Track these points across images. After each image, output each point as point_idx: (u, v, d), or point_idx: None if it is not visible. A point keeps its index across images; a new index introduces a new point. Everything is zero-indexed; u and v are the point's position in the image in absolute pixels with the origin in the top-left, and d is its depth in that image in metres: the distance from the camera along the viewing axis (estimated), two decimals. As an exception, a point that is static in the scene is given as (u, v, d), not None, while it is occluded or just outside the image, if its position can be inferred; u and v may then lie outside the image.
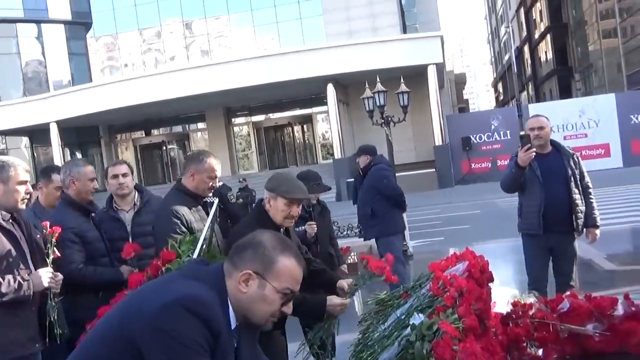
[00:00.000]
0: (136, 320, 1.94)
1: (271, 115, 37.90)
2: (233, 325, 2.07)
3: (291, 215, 3.68)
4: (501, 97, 79.65)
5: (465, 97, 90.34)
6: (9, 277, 3.49)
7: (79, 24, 40.60)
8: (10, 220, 3.69)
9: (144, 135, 39.75)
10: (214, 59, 36.80)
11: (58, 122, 32.38)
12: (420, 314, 3.04)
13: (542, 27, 53.89)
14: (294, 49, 31.79)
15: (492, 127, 28.91)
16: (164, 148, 39.31)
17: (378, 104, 14.28)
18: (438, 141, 29.08)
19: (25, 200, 3.77)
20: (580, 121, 27.66)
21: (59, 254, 3.89)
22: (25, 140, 38.49)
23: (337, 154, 29.86)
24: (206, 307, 1.95)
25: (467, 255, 3.57)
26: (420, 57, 28.17)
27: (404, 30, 37.15)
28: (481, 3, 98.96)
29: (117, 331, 1.98)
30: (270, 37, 38.94)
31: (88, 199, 4.57)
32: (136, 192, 4.94)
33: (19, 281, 3.51)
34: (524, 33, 60.19)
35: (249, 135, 37.69)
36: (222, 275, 2.08)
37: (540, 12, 54.24)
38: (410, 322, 3.03)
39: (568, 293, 3.49)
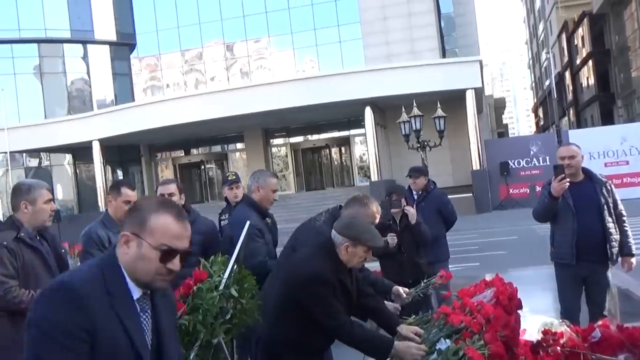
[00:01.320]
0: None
1: (309, 137, 38.12)
2: (136, 296, 2.09)
3: (366, 258, 3.68)
4: (541, 123, 78.81)
5: (504, 121, 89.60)
6: (33, 292, 3.78)
7: (124, 45, 41.57)
8: (38, 237, 4.02)
9: (183, 154, 40.30)
10: (254, 80, 37.28)
11: (100, 140, 33.05)
12: (447, 340, 3.07)
13: (584, 52, 53.30)
14: (332, 72, 32.03)
15: (531, 152, 28.59)
16: (203, 167, 39.77)
17: (414, 128, 14.30)
18: (476, 166, 28.88)
19: (52, 217, 4.09)
20: (622, 148, 27.19)
21: None
22: (68, 157, 39.33)
23: (374, 177, 29.87)
24: (72, 291, 1.97)
25: (496, 282, 3.58)
26: (459, 81, 28.13)
27: (443, 55, 37.15)
28: (522, 28, 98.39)
29: None
30: (309, 59, 39.30)
31: (266, 206, 4.99)
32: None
33: None
34: (566, 58, 59.60)
35: (286, 156, 37.93)
36: (113, 248, 2.17)
37: (582, 37, 53.68)
38: (437, 348, 3.06)
39: (600, 322, 3.47)
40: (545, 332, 3.36)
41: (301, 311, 3.48)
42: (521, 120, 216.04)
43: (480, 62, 29.94)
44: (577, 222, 5.41)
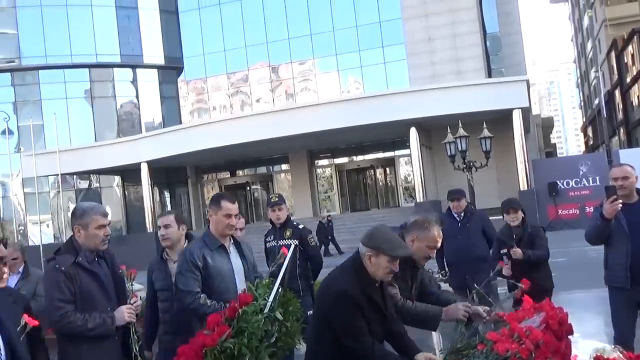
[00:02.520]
0: None
1: (354, 158, 38.13)
2: None
3: (392, 271, 3.67)
4: (591, 142, 77.31)
5: (553, 141, 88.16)
6: (95, 314, 3.88)
7: (171, 69, 42.36)
8: (96, 259, 4.08)
9: (229, 175, 40.69)
10: (299, 102, 37.52)
11: (148, 162, 33.59)
12: (494, 365, 3.01)
13: (634, 70, 52.24)
14: (377, 93, 32.05)
15: (581, 172, 28.08)
16: (248, 188, 40.08)
17: (460, 149, 14.20)
18: (523, 186, 28.46)
19: (106, 241, 4.08)
20: (675, 168, 26.52)
21: (136, 295, 4.22)
22: (117, 179, 40.08)
23: (419, 198, 29.62)
24: None
25: (545, 306, 3.50)
26: (505, 101, 27.83)
27: (489, 74, 36.86)
28: (570, 47, 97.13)
29: None
30: (354, 81, 39.43)
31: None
32: (186, 241, 5.04)
33: (103, 317, 3.90)
34: (615, 77, 58.46)
35: (331, 177, 37.98)
36: None
37: (632, 55, 52.65)
38: (485, 374, 3.00)
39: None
40: (597, 358, 3.27)
41: (334, 332, 3.49)
42: (570, 139, 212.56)
43: (527, 82, 29.59)
44: (632, 244, 5.23)
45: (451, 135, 14.84)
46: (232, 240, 4.64)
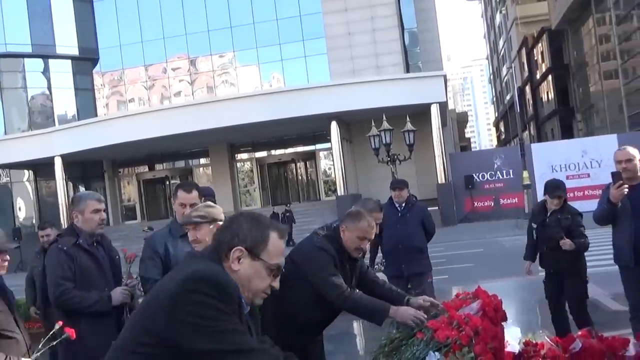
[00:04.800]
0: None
1: (274, 152, 38.09)
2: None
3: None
4: (503, 136, 79.97)
5: (467, 135, 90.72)
6: (93, 292, 4.28)
7: (86, 60, 41.02)
8: (95, 244, 4.49)
9: (147, 169, 39.88)
10: (219, 95, 37.14)
11: (62, 156, 32.51)
12: (436, 353, 3.06)
13: (543, 67, 54.38)
14: (298, 87, 32.12)
15: (495, 165, 29.00)
16: (167, 183, 39.41)
17: (384, 142, 14.40)
18: (441, 179, 29.15)
19: (102, 225, 4.52)
20: (583, 161, 27.75)
21: (133, 277, 4.63)
22: (29, 173, 38.61)
23: (340, 191, 29.90)
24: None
25: (480, 293, 3.60)
26: (423, 96, 28.42)
27: (407, 69, 37.51)
28: (483, 44, 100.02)
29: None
30: (274, 74, 39.33)
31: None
32: None
33: (101, 296, 4.31)
34: (526, 73, 60.71)
35: (252, 171, 37.83)
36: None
37: (542, 53, 54.78)
38: (426, 361, 3.05)
39: (579, 333, 3.51)
40: (526, 343, 3.38)
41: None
42: (482, 134, 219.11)
43: (445, 77, 30.33)
44: (635, 224, 5.46)
45: (375, 128, 15.01)
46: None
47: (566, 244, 6.34)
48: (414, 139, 14.79)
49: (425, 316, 3.63)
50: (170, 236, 4.55)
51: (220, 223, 3.90)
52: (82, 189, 38.45)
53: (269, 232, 2.26)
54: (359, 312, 4.02)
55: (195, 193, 4.63)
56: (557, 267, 6.56)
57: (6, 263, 3.56)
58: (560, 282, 6.57)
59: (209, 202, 4.16)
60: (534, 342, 3.38)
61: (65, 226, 6.44)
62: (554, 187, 6.62)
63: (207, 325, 2.02)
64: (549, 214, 6.66)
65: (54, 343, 3.45)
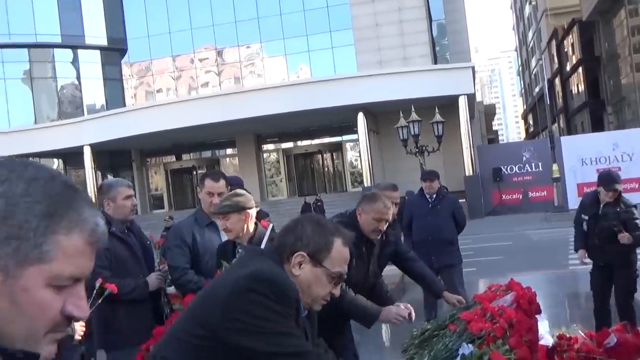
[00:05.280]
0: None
1: (301, 143, 38.10)
2: None
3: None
4: (531, 129, 79.16)
5: (494, 128, 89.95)
6: (129, 280, 4.29)
7: (114, 50, 41.39)
8: (126, 231, 4.50)
9: (174, 159, 40.15)
10: (246, 86, 37.21)
11: (91, 146, 32.86)
12: (469, 344, 3.01)
13: (574, 59, 53.64)
14: (325, 78, 32.04)
15: (524, 158, 28.66)
16: (194, 172, 39.63)
17: (412, 133, 14.30)
18: (468, 171, 28.92)
19: (134, 211, 4.54)
20: (614, 154, 27.27)
21: (165, 262, 4.62)
22: (58, 162, 39.08)
23: (367, 182, 29.79)
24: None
25: (514, 285, 3.53)
26: (451, 87, 28.19)
27: (435, 61, 37.25)
28: (512, 35, 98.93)
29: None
30: (301, 65, 39.30)
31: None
32: None
33: (138, 282, 4.33)
34: (556, 65, 59.93)
35: (278, 162, 37.88)
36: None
37: (572, 44, 54.02)
38: (460, 353, 3.00)
39: (614, 327, 3.44)
40: (560, 337, 3.32)
41: None
42: (510, 127, 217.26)
43: (473, 69, 30.08)
44: None
45: (403, 119, 14.92)
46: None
47: (625, 237, 6.25)
48: (443, 131, 14.64)
49: (407, 313, 3.79)
50: (196, 225, 4.59)
51: (250, 211, 3.94)
52: (110, 177, 38.87)
53: (334, 239, 2.22)
54: (353, 313, 3.99)
55: (222, 182, 4.65)
56: (607, 260, 6.49)
57: None
58: (610, 275, 6.50)
59: (238, 191, 4.21)
60: (567, 335, 3.33)
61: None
62: (610, 180, 6.48)
63: (261, 326, 1.99)
64: (601, 205, 6.54)
65: (100, 300, 3.70)
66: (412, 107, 15.34)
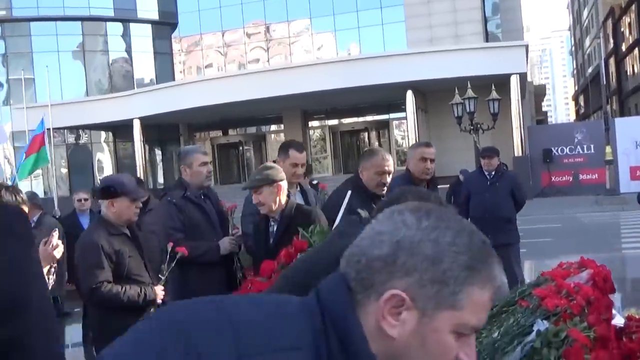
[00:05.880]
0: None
1: (348, 120, 37.94)
2: None
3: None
4: (582, 111, 77.48)
5: (543, 109, 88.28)
6: (202, 242, 4.42)
7: (165, 24, 41.71)
8: (202, 197, 4.62)
9: (221, 134, 40.44)
10: (294, 61, 37.14)
11: (141, 119, 33.28)
12: (544, 321, 2.96)
13: (630, 39, 52.13)
14: (374, 54, 31.74)
15: (576, 140, 28.04)
16: (241, 147, 39.87)
17: (468, 110, 14.12)
18: (518, 152, 28.43)
19: (210, 177, 4.70)
20: (670, 137, 26.55)
21: (238, 227, 4.78)
22: (107, 135, 39.74)
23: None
24: None
25: (589, 263, 3.45)
26: (504, 66, 27.61)
27: (486, 39, 36.57)
28: (564, 14, 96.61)
29: None
30: (351, 41, 39.02)
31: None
32: None
33: (210, 245, 4.43)
34: (611, 45, 58.35)
35: (324, 139, 37.83)
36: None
37: (629, 24, 52.47)
38: (535, 329, 2.95)
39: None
40: (629, 318, 3.26)
41: None
42: (559, 108, 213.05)
43: (526, 47, 29.41)
44: None
45: (459, 96, 14.73)
46: (298, 188, 4.88)
47: None
48: (499, 108, 14.40)
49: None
50: None
51: (281, 183, 3.99)
52: (158, 151, 39.39)
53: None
54: None
55: (304, 153, 4.79)
56: None
57: (137, 210, 3.85)
58: None
59: (267, 164, 4.35)
60: (637, 317, 3.26)
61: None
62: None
63: None
64: None
65: (173, 264, 3.85)
66: (469, 84, 15.09)
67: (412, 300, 1.07)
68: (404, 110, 30.28)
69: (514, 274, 7.10)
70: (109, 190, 3.76)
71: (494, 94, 14.64)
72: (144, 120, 33.48)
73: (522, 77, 29.45)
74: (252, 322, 1.08)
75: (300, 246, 2.72)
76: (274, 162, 4.81)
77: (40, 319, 1.24)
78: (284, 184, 4.08)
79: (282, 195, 4.06)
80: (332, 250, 2.11)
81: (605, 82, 38.75)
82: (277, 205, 4.03)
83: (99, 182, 37.29)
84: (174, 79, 39.70)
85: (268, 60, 40.09)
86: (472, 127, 14.50)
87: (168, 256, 3.85)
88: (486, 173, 7.87)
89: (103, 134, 39.80)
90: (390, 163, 4.44)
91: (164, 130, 38.71)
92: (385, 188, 4.37)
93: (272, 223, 4.18)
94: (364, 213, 3.53)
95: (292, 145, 4.85)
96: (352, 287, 1.11)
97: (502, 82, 27.85)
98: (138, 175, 33.83)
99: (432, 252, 1.08)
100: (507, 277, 4.00)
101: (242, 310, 1.11)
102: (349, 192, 3.60)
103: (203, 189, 4.63)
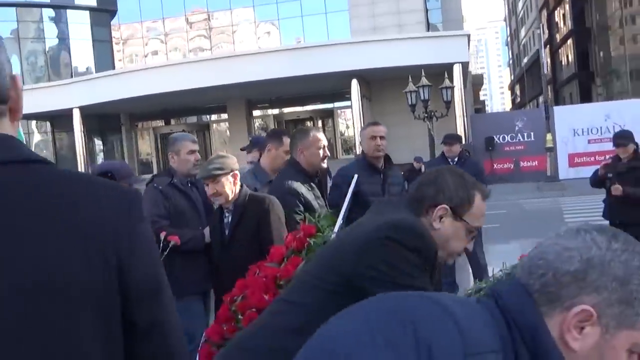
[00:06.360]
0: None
1: (292, 109, 37.88)
2: None
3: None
4: (518, 100, 79.40)
5: (481, 98, 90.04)
6: (187, 230, 4.40)
7: (104, 11, 40.69)
8: (189, 185, 4.66)
9: (164, 124, 39.84)
10: (237, 50, 36.81)
11: (80, 108, 32.44)
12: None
13: (564, 30, 53.64)
14: (318, 43, 31.74)
15: (517, 128, 28.67)
16: (184, 138, 39.33)
17: (422, 98, 14.32)
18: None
19: (197, 165, 4.61)
20: (606, 125, 27.37)
21: None
22: (46, 125, 38.65)
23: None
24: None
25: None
26: (446, 55, 27.96)
27: (428, 29, 37.03)
28: (499, 5, 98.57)
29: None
30: (294, 30, 38.90)
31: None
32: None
33: (195, 233, 4.42)
34: (546, 36, 59.89)
35: (269, 127, 37.67)
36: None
37: (563, 15, 53.99)
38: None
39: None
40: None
41: None
42: (495, 97, 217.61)
43: (468, 37, 29.89)
44: None
45: (412, 84, 14.92)
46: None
47: (617, 189, 6.55)
48: (452, 96, 14.67)
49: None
50: (257, 182, 4.80)
51: (237, 172, 3.97)
52: (98, 142, 38.50)
53: (475, 192, 2.19)
54: None
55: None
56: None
57: None
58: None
59: (220, 153, 4.34)
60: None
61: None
62: (618, 136, 6.86)
63: (394, 277, 1.94)
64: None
65: (166, 253, 3.80)
66: (422, 72, 15.28)
67: (598, 317, 1.14)
68: (348, 99, 30.40)
69: (477, 259, 7.25)
70: (106, 176, 3.69)
71: (447, 82, 14.90)
72: (84, 110, 32.64)
73: (464, 66, 29.94)
74: (468, 322, 1.13)
75: (309, 231, 2.70)
76: (268, 150, 4.90)
77: (170, 301, 1.32)
78: (238, 173, 4.08)
79: (237, 185, 4.05)
80: (365, 227, 2.10)
81: (536, 73, 39.68)
82: (232, 195, 4.02)
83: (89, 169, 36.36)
84: (113, 68, 38.82)
85: (211, 49, 39.64)
86: (426, 115, 14.66)
87: (161, 245, 3.74)
88: (449, 160, 7.96)
89: (43, 124, 38.66)
90: (323, 139, 4.59)
91: (105, 120, 37.84)
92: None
93: (227, 214, 4.14)
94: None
95: (283, 132, 4.98)
96: (535, 298, 1.18)
97: (443, 71, 28.24)
98: (77, 167, 33.06)
99: (623, 274, 1.14)
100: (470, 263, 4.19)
101: (456, 310, 1.16)
102: (356, 176, 3.60)
103: (190, 176, 4.64)
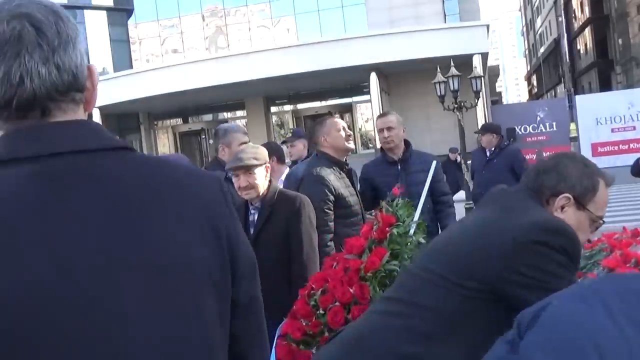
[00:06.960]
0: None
1: (311, 104, 37.78)
2: None
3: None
4: (535, 90, 78.72)
5: (497, 90, 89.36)
6: None
7: (121, 10, 40.78)
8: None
9: (182, 122, 39.91)
10: (254, 46, 36.74)
11: (100, 109, 32.52)
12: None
13: (582, 18, 53.08)
14: (336, 37, 31.58)
15: (538, 118, 28.40)
16: (203, 135, 39.40)
17: (451, 88, 14.21)
18: (482, 132, 28.65)
19: None
20: (629, 114, 27.02)
21: None
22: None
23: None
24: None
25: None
26: (466, 46, 27.69)
27: (445, 20, 36.75)
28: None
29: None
30: (311, 25, 38.76)
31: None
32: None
33: None
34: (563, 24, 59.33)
35: (288, 123, 37.62)
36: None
37: (581, 3, 53.42)
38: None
39: None
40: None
41: None
42: (510, 89, 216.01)
43: (488, 27, 29.61)
44: None
45: (441, 75, 14.78)
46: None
47: None
48: (482, 86, 14.58)
49: None
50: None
51: (269, 164, 3.83)
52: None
53: (598, 179, 2.07)
54: None
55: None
56: None
57: None
58: None
59: (251, 144, 4.11)
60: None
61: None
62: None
63: (546, 282, 1.79)
64: None
65: None
66: (452, 62, 15.14)
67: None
68: (366, 93, 30.26)
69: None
70: None
71: (476, 71, 14.76)
72: (103, 110, 32.71)
73: (484, 56, 29.66)
74: None
75: (388, 220, 2.60)
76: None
77: (258, 281, 1.34)
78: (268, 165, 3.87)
79: (267, 179, 3.81)
80: (503, 226, 1.96)
81: (553, 63, 39.20)
82: (264, 189, 3.77)
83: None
84: (131, 67, 38.90)
85: (228, 46, 39.60)
86: (456, 105, 14.51)
87: None
88: (487, 150, 7.85)
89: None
90: (342, 122, 4.56)
91: (124, 120, 37.98)
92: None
93: (252, 211, 3.86)
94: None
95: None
96: None
97: (463, 62, 27.98)
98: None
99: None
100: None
101: None
102: (434, 162, 3.48)
103: None
